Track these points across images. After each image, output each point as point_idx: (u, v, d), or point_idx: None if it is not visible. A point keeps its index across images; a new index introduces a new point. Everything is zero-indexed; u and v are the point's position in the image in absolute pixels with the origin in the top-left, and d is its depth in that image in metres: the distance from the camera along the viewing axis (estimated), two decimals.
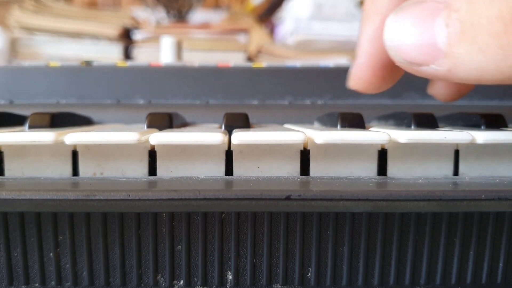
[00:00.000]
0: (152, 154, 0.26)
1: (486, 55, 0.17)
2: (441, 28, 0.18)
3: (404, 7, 0.20)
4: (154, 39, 1.09)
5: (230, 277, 0.26)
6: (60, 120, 0.33)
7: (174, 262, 0.26)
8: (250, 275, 0.26)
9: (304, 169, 0.26)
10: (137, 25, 1.20)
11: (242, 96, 0.45)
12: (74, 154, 0.26)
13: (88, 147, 0.26)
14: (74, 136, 0.24)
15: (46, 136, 0.24)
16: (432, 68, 0.19)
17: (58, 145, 0.25)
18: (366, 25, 0.25)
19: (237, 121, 0.31)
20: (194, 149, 0.26)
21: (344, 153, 0.26)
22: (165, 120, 0.32)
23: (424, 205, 0.22)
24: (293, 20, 1.14)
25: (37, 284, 0.26)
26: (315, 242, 0.26)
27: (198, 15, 1.31)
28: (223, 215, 0.25)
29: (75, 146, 0.26)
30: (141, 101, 0.44)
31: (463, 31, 0.17)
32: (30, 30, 1.10)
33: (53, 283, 0.26)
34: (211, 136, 0.24)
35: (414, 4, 0.19)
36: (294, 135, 0.24)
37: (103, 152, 0.26)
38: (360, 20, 0.26)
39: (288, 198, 0.22)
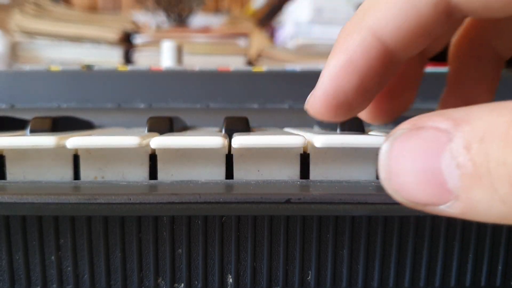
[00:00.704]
0: (152, 158, 0.26)
1: (507, 205, 0.14)
2: (451, 168, 0.15)
3: (399, 135, 0.16)
4: (155, 43, 1.09)
5: (231, 280, 0.26)
6: (61, 124, 0.33)
7: (175, 265, 0.26)
8: (250, 278, 0.26)
9: (304, 172, 0.26)
10: (137, 29, 1.20)
11: (242, 100, 0.45)
12: (75, 158, 0.26)
13: (89, 151, 0.26)
14: (75, 140, 0.24)
15: (47, 140, 0.25)
16: (441, 209, 0.16)
17: (60, 149, 0.25)
18: (330, 60, 0.24)
19: (237, 125, 0.32)
20: (195, 152, 0.26)
21: (343, 157, 0.26)
22: (165, 124, 0.32)
23: None
24: (293, 24, 1.14)
25: (38, 287, 0.26)
26: (315, 245, 0.26)
27: (198, 19, 1.31)
28: (223, 219, 0.25)
29: (76, 150, 0.26)
30: (142, 105, 0.45)
31: (479, 176, 0.14)
32: (31, 34, 1.11)
33: (54, 286, 0.26)
34: (211, 140, 0.24)
35: (410, 132, 0.16)
36: (294, 139, 0.24)
37: (104, 156, 0.26)
38: None
39: (288, 201, 0.22)
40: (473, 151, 0.14)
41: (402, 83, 0.27)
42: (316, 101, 0.23)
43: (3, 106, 0.44)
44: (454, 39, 0.27)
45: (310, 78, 0.45)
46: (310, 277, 0.26)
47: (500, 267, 0.27)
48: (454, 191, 0.15)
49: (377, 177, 0.26)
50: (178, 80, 0.46)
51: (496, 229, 0.26)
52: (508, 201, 0.14)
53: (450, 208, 0.15)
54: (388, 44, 0.21)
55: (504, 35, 0.26)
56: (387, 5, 0.20)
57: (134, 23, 1.24)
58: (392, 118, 0.28)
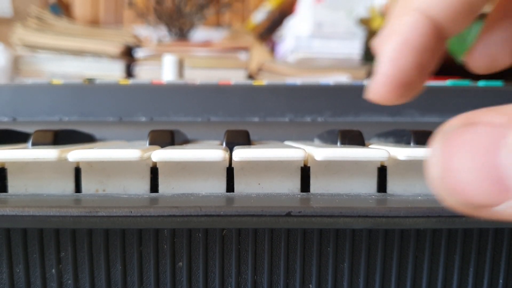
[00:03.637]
0: (154, 171, 0.26)
1: None
2: (510, 164, 0.14)
3: (451, 132, 0.16)
4: (156, 57, 1.09)
5: None
6: (63, 137, 0.33)
7: (175, 279, 0.26)
8: None
9: (305, 185, 0.27)
10: (139, 43, 1.21)
11: (243, 113, 0.45)
12: (77, 171, 0.26)
13: (91, 164, 0.26)
14: (77, 153, 0.24)
15: (49, 153, 0.25)
16: (498, 211, 0.15)
17: (61, 162, 0.25)
18: (386, 43, 0.24)
19: (238, 138, 0.32)
20: (196, 166, 0.26)
21: (344, 170, 0.26)
22: (167, 137, 0.32)
23: (423, 221, 0.22)
24: (294, 38, 1.15)
25: None
26: (315, 258, 0.26)
27: (199, 34, 1.32)
28: (224, 232, 0.25)
29: (77, 163, 0.26)
30: (143, 119, 0.45)
31: None
32: (33, 48, 1.11)
33: None
34: (212, 153, 0.24)
35: (464, 128, 0.15)
36: (295, 152, 0.24)
37: (106, 169, 0.26)
38: (379, 35, 0.26)
39: (288, 214, 0.22)
40: None
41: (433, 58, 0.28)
42: (380, 86, 0.24)
43: (5, 119, 0.45)
44: None
45: (310, 92, 0.46)
46: None
47: (501, 281, 0.27)
48: None
49: (378, 190, 0.26)
50: (179, 94, 0.46)
51: (496, 242, 0.26)
52: None
53: (508, 209, 0.15)
54: (438, 21, 0.22)
55: None
56: None
57: (135, 37, 1.25)
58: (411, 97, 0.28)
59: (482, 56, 0.26)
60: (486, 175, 0.15)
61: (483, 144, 0.15)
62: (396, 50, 0.23)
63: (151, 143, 0.32)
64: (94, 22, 1.45)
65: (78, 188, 0.26)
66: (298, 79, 0.50)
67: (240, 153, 0.25)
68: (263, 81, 0.48)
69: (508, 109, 0.15)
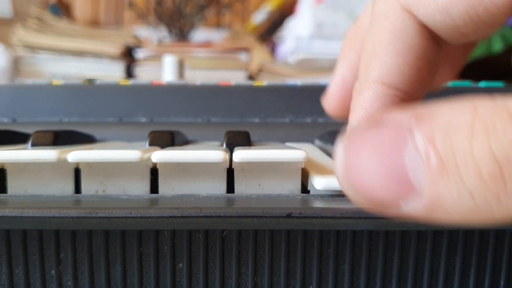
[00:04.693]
0: (154, 172, 0.26)
1: (475, 198, 0.13)
2: (414, 162, 0.14)
3: (357, 132, 0.16)
4: (156, 57, 1.09)
5: None
6: (63, 138, 0.33)
7: (175, 280, 0.26)
8: None
9: (305, 186, 0.26)
10: (139, 44, 1.21)
11: (243, 114, 0.45)
12: (77, 172, 0.26)
13: (91, 165, 0.26)
14: (76, 154, 0.24)
15: (49, 154, 0.25)
16: (404, 209, 0.15)
17: (61, 163, 0.25)
18: (340, 62, 0.25)
19: (238, 139, 0.32)
20: (196, 167, 0.26)
21: None
22: (167, 138, 0.32)
23: (424, 223, 0.22)
24: (294, 39, 1.15)
25: None
26: (316, 260, 0.26)
27: (199, 34, 1.32)
28: (224, 233, 0.25)
29: (77, 164, 0.26)
30: (143, 119, 0.45)
31: (444, 168, 0.14)
32: (33, 48, 1.11)
33: None
34: (212, 154, 0.24)
35: (370, 127, 0.15)
36: (295, 153, 0.24)
37: (106, 170, 0.26)
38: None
39: (289, 216, 0.22)
40: (438, 143, 0.14)
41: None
42: (331, 99, 0.27)
43: (5, 120, 0.44)
44: None
45: (311, 93, 0.46)
46: None
47: (502, 282, 0.26)
48: (418, 187, 0.14)
49: None
50: (179, 95, 0.46)
51: (497, 244, 0.26)
52: (476, 194, 0.13)
53: (413, 207, 0.15)
54: (399, 88, 0.22)
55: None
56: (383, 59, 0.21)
57: (136, 37, 1.25)
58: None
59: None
60: (390, 174, 0.15)
61: (388, 143, 0.15)
62: (347, 68, 0.25)
63: (151, 144, 0.32)
64: (94, 23, 1.45)
65: (78, 189, 0.26)
66: (298, 80, 0.50)
67: (241, 154, 0.25)
68: (263, 82, 0.48)
69: (415, 109, 0.15)
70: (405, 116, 0.15)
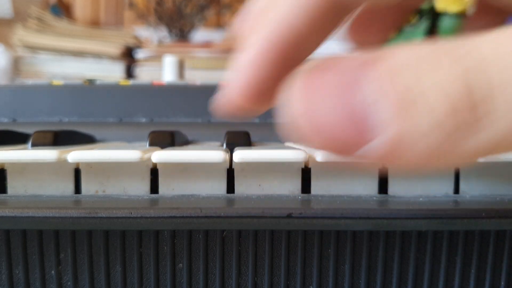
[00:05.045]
0: (154, 172, 0.26)
1: (443, 130, 0.13)
2: (375, 99, 0.13)
3: (314, 69, 0.14)
4: (156, 58, 1.09)
5: None
6: (63, 138, 0.33)
7: (176, 280, 0.26)
8: None
9: (305, 187, 0.26)
10: (139, 44, 1.21)
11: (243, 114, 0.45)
12: (77, 172, 0.26)
13: (91, 165, 0.26)
14: (76, 155, 0.24)
15: (49, 154, 0.25)
16: (366, 151, 0.14)
17: (61, 163, 0.25)
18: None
19: (238, 139, 0.32)
20: (196, 167, 0.26)
21: (345, 171, 0.26)
22: (167, 139, 0.32)
23: (424, 223, 0.22)
24: None
25: None
26: (316, 260, 0.26)
27: (200, 35, 1.32)
28: (224, 233, 0.25)
29: (77, 164, 0.26)
30: (143, 120, 0.45)
31: (410, 101, 0.13)
32: (33, 48, 1.11)
33: None
34: (212, 154, 0.24)
35: (327, 64, 0.14)
36: (295, 153, 0.24)
37: (106, 170, 0.26)
38: None
39: (289, 216, 0.22)
40: (402, 75, 0.13)
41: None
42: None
43: (5, 120, 0.44)
44: None
45: None
46: None
47: (502, 282, 0.26)
48: (380, 124, 0.13)
49: (379, 192, 0.26)
50: (179, 95, 0.46)
51: (498, 244, 0.26)
52: (447, 125, 0.12)
53: (376, 147, 0.13)
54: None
55: None
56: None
57: (136, 38, 1.25)
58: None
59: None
60: (349, 112, 0.13)
61: (345, 81, 0.14)
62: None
63: (151, 144, 0.32)
64: (95, 23, 1.45)
65: (78, 189, 0.26)
66: None
67: (241, 155, 0.25)
68: None
69: (375, 51, 0.14)
70: (362, 55, 0.14)
